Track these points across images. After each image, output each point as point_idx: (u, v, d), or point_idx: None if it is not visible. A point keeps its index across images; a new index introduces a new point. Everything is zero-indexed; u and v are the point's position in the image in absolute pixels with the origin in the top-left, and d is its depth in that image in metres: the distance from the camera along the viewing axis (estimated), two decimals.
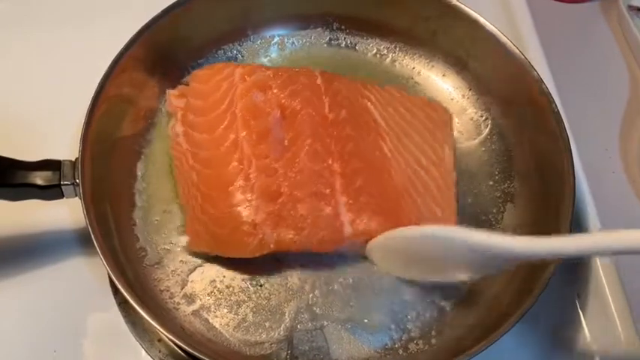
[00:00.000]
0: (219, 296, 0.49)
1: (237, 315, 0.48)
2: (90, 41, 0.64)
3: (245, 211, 0.47)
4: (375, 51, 0.63)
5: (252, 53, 0.62)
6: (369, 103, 0.55)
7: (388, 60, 0.62)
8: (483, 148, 0.57)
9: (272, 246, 0.47)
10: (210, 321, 0.48)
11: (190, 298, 0.49)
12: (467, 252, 0.42)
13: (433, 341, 0.48)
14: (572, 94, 0.56)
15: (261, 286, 0.50)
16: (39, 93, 0.61)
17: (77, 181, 0.46)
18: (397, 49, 0.62)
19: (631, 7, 0.70)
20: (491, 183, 0.56)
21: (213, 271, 0.50)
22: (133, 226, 0.51)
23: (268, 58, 0.62)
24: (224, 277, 0.50)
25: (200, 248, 0.49)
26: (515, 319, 0.43)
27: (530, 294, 0.44)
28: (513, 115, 0.57)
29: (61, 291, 0.51)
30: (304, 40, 0.63)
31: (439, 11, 0.58)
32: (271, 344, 0.47)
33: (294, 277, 0.50)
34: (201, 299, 0.49)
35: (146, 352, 0.49)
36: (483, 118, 0.59)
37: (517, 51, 0.55)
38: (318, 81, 0.54)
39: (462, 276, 0.45)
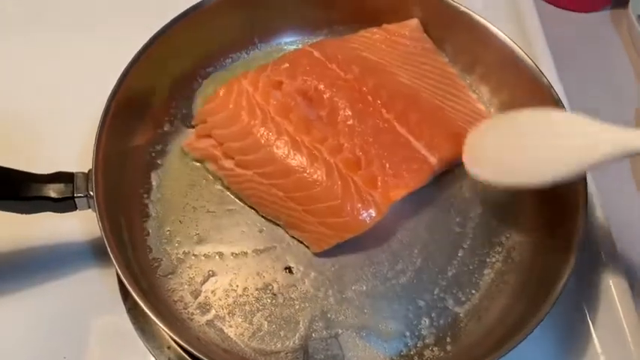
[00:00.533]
0: (234, 306, 0.49)
1: (252, 324, 0.48)
2: (100, 51, 0.64)
3: (346, 190, 0.49)
4: None
5: (260, 61, 0.62)
6: (362, 52, 0.57)
7: None
8: None
9: (388, 201, 0.49)
10: (225, 331, 0.48)
11: (204, 308, 0.49)
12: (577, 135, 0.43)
13: (448, 348, 0.48)
14: (582, 103, 0.56)
15: (274, 294, 0.50)
16: (49, 102, 0.61)
17: (91, 193, 0.46)
18: None
19: None
20: (501, 188, 0.56)
21: (226, 280, 0.50)
22: (146, 236, 0.51)
23: None
24: (237, 286, 0.50)
25: (328, 245, 0.50)
26: (531, 326, 0.43)
27: (545, 303, 0.44)
28: None
29: (70, 299, 0.51)
30: None
31: (449, 18, 0.58)
32: (287, 353, 0.47)
33: (307, 285, 0.50)
34: (215, 309, 0.49)
35: (155, 358, 0.49)
36: None
37: (527, 59, 0.55)
38: (316, 54, 0.55)
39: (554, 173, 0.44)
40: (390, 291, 0.50)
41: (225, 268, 0.51)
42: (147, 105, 0.55)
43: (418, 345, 0.48)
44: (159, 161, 0.55)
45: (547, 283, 0.47)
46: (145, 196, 0.53)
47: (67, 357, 0.49)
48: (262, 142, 0.50)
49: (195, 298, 0.49)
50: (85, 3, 0.70)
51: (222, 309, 0.49)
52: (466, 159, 0.51)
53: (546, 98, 0.53)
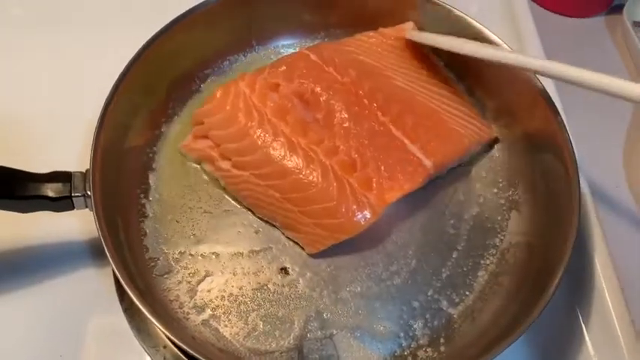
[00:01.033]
0: (229, 305, 0.49)
1: (247, 324, 0.49)
2: (98, 52, 0.64)
3: (342, 192, 0.49)
4: None
5: (257, 63, 0.62)
6: (359, 56, 0.57)
7: None
8: (487, 157, 0.58)
9: (383, 203, 0.50)
10: (221, 330, 0.48)
11: (200, 308, 0.49)
12: None
13: (442, 349, 0.48)
14: (577, 108, 0.57)
15: (270, 295, 0.50)
16: (47, 102, 0.62)
17: (88, 192, 0.46)
18: None
19: (635, 23, 0.72)
20: (495, 191, 0.56)
21: (222, 280, 0.50)
22: (143, 236, 0.52)
23: None
24: (233, 286, 0.50)
25: (324, 247, 0.51)
26: (524, 328, 0.44)
27: (538, 304, 0.44)
28: (517, 126, 0.57)
29: (67, 298, 0.52)
30: None
31: (444, 22, 0.59)
32: (281, 353, 0.48)
33: (302, 286, 0.50)
34: (210, 309, 0.49)
35: (151, 357, 0.49)
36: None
37: None
38: (313, 57, 0.56)
39: None
40: (384, 292, 0.51)
41: (221, 268, 0.51)
42: (144, 106, 0.56)
43: (412, 346, 0.48)
44: (156, 162, 0.56)
45: (540, 284, 0.47)
46: (142, 196, 0.54)
47: (64, 355, 0.49)
48: (259, 143, 0.51)
49: (191, 297, 0.49)
50: (83, 5, 0.70)
51: (218, 309, 0.49)
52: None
53: (541, 103, 0.54)
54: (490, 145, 0.58)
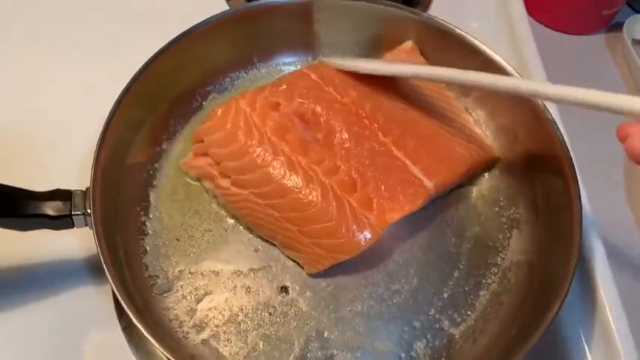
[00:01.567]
0: (229, 325, 0.49)
1: (247, 344, 0.48)
2: (100, 68, 0.64)
3: (341, 212, 0.49)
4: None
5: (259, 80, 0.62)
6: (360, 77, 0.56)
7: None
8: (488, 175, 0.58)
9: (384, 223, 0.49)
10: (220, 350, 0.48)
11: (200, 327, 0.49)
12: None
13: None
14: (578, 125, 0.57)
15: (270, 314, 0.50)
16: (49, 119, 0.62)
17: (88, 210, 0.46)
18: None
19: (635, 41, 0.72)
20: (496, 209, 0.56)
21: (222, 299, 0.50)
22: (143, 254, 0.51)
23: None
24: (233, 305, 0.50)
25: (323, 267, 0.50)
26: (526, 348, 0.43)
27: (540, 325, 0.44)
28: (518, 144, 0.57)
29: (67, 315, 0.51)
30: None
31: (444, 41, 0.59)
32: None
33: (302, 305, 0.50)
34: (210, 328, 0.49)
35: None
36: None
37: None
38: (313, 77, 0.56)
39: None
40: (385, 311, 0.50)
41: (221, 286, 0.51)
42: (146, 123, 0.56)
43: None
44: (157, 179, 0.56)
45: (542, 305, 0.47)
46: (142, 213, 0.53)
47: None
48: (259, 162, 0.51)
49: (191, 316, 0.49)
50: (85, 21, 0.70)
51: (218, 328, 0.49)
52: None
53: (542, 121, 0.54)
54: (491, 163, 0.58)
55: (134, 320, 0.42)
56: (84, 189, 0.48)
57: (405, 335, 0.49)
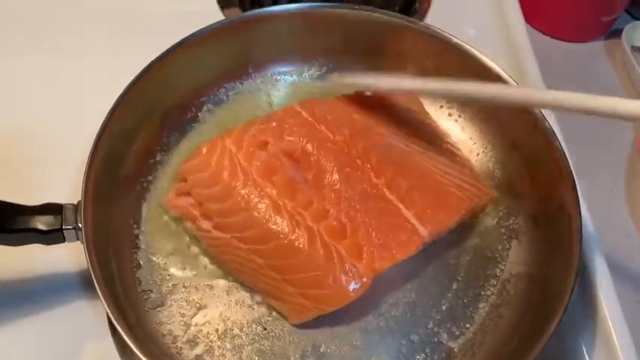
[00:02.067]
0: (223, 340, 0.48)
1: (242, 359, 0.47)
2: (93, 79, 0.64)
3: (329, 260, 0.46)
4: None
5: (254, 91, 0.62)
6: (352, 114, 0.55)
7: None
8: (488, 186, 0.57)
9: (373, 272, 0.46)
10: None
11: (194, 342, 0.48)
12: None
13: None
14: (577, 134, 0.56)
15: (265, 329, 0.49)
16: (41, 131, 0.61)
17: (79, 225, 0.45)
18: None
19: (634, 48, 0.72)
20: (495, 220, 0.55)
21: (216, 313, 0.49)
22: (136, 268, 0.51)
23: (270, 94, 0.62)
24: (228, 319, 0.49)
25: (308, 318, 0.48)
26: None
27: (540, 338, 0.43)
28: (516, 153, 0.56)
29: (60, 330, 0.50)
30: (306, 77, 0.63)
31: (441, 49, 0.58)
32: None
33: None
34: (204, 343, 0.48)
35: None
36: (485, 154, 0.59)
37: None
38: (304, 114, 0.53)
39: None
40: (383, 325, 0.49)
41: (216, 300, 0.50)
42: (138, 135, 0.55)
43: None
44: (151, 191, 0.55)
45: (542, 317, 0.46)
46: (135, 226, 0.53)
47: None
48: (242, 204, 0.48)
49: (185, 331, 0.48)
50: (78, 33, 0.70)
51: (212, 343, 0.48)
52: None
53: (540, 130, 0.53)
54: (491, 171, 0.58)
55: (125, 337, 0.42)
56: (75, 202, 0.47)
57: (402, 349, 0.48)
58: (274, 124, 0.52)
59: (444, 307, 0.50)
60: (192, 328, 0.48)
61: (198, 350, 0.48)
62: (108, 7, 0.72)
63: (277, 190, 0.49)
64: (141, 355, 0.41)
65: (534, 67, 0.66)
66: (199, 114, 0.60)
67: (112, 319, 0.42)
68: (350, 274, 0.46)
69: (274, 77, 0.63)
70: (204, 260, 0.52)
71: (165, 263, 0.51)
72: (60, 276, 0.53)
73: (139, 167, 0.55)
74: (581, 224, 0.49)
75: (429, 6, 0.73)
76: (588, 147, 0.58)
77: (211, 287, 0.50)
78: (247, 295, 0.50)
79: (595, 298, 0.52)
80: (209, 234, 0.50)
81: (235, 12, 0.71)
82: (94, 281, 0.44)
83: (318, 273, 0.46)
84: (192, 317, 0.49)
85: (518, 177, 0.56)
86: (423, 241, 0.48)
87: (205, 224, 0.50)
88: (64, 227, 0.46)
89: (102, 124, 0.50)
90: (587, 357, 0.51)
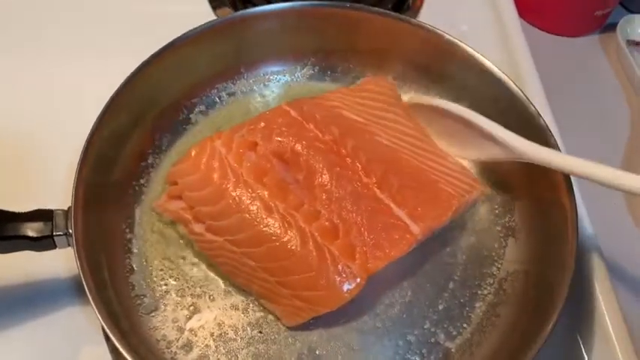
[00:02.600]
0: (219, 344, 0.48)
1: None
2: (83, 82, 0.63)
3: (322, 261, 0.46)
4: None
5: (247, 91, 0.61)
6: (341, 110, 0.54)
7: None
8: (481, 182, 0.57)
9: (367, 272, 0.46)
10: None
11: (188, 347, 0.47)
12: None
13: None
14: (572, 129, 0.56)
15: (260, 332, 0.48)
16: (28, 136, 0.60)
17: (70, 231, 0.45)
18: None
19: (629, 42, 0.71)
20: (491, 217, 0.55)
21: (211, 317, 0.49)
22: (129, 273, 0.50)
23: (263, 94, 0.62)
24: (223, 323, 0.49)
25: (302, 320, 0.47)
26: None
27: (538, 337, 0.43)
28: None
29: (54, 337, 0.50)
30: (299, 76, 0.63)
31: (434, 46, 0.58)
32: None
33: None
34: (199, 347, 0.47)
35: None
36: None
37: (514, 86, 0.55)
38: (293, 114, 0.53)
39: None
40: (379, 326, 0.49)
41: (210, 304, 0.49)
42: (130, 138, 0.54)
43: None
44: (143, 195, 0.54)
45: (540, 316, 0.45)
46: (128, 231, 0.52)
47: None
48: (234, 207, 0.47)
49: (179, 336, 0.48)
50: (71, 31, 0.69)
51: (207, 347, 0.47)
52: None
53: (536, 128, 0.53)
54: (486, 168, 0.57)
55: (117, 345, 0.41)
56: (66, 208, 0.46)
57: (399, 350, 0.48)
58: (263, 124, 0.52)
59: (440, 307, 0.50)
60: (187, 332, 0.48)
61: (193, 355, 0.47)
62: (99, 7, 0.71)
63: (268, 192, 0.48)
64: None
65: (529, 62, 0.66)
66: (191, 115, 0.59)
67: (105, 326, 0.42)
68: (344, 275, 0.46)
69: (267, 77, 0.62)
70: (199, 264, 0.51)
71: (158, 267, 0.51)
72: (53, 282, 0.52)
73: (130, 171, 0.54)
74: (577, 221, 0.48)
75: (422, 3, 0.73)
76: (585, 142, 0.58)
77: (205, 291, 0.50)
78: (242, 298, 0.50)
79: (593, 296, 0.52)
80: (202, 237, 0.49)
81: (227, 12, 0.70)
82: (86, 288, 0.43)
83: (311, 274, 0.46)
84: (187, 322, 0.49)
85: (514, 174, 0.55)
86: (416, 239, 0.48)
87: (198, 227, 0.49)
88: (54, 234, 0.45)
89: (92, 128, 0.50)
90: (585, 355, 0.51)
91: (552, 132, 0.52)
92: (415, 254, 0.52)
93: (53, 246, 0.46)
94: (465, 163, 0.56)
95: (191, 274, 0.51)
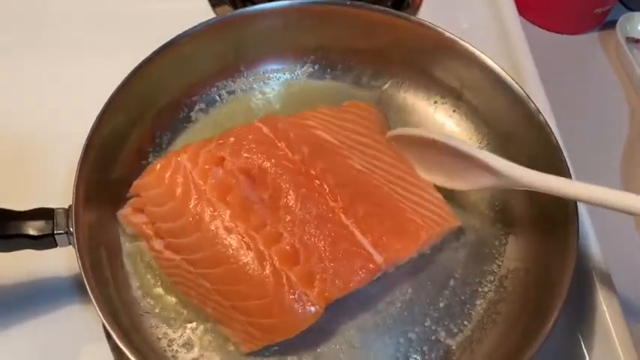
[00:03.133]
0: (220, 342, 0.48)
1: None
2: (84, 81, 0.63)
3: (279, 287, 0.45)
4: (368, 83, 0.62)
5: (247, 89, 0.61)
6: (316, 130, 0.53)
7: (382, 92, 0.62)
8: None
9: (324, 302, 0.45)
10: None
11: (189, 345, 0.47)
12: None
13: None
14: (571, 126, 0.56)
15: None
16: (29, 134, 0.60)
17: (71, 229, 0.45)
18: (391, 80, 0.62)
19: (629, 39, 0.71)
20: (492, 214, 0.55)
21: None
22: (129, 272, 0.50)
23: (264, 92, 0.62)
24: None
25: (257, 347, 0.46)
26: (524, 358, 0.42)
27: (539, 335, 0.43)
28: (511, 147, 0.56)
29: (56, 335, 0.50)
30: (299, 74, 0.63)
31: (434, 43, 0.58)
32: None
33: None
34: (200, 346, 0.47)
35: None
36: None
37: (514, 83, 0.55)
38: (265, 130, 0.52)
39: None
40: (380, 323, 0.49)
41: None
42: (130, 136, 0.54)
43: None
44: None
45: (540, 313, 0.46)
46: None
47: None
48: (193, 225, 0.46)
49: (180, 335, 0.48)
50: (70, 30, 0.69)
51: (208, 346, 0.47)
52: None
53: (535, 124, 0.53)
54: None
55: (118, 342, 0.41)
56: (67, 207, 0.46)
57: (400, 348, 0.48)
58: (232, 139, 0.50)
59: (441, 305, 0.50)
60: (188, 330, 0.48)
61: (194, 354, 0.47)
62: (98, 6, 0.71)
63: (230, 211, 0.47)
64: None
65: (529, 59, 0.66)
66: (192, 113, 0.59)
67: (106, 324, 0.42)
68: (300, 303, 0.44)
69: (266, 75, 0.62)
70: None
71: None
72: (54, 281, 0.52)
73: (131, 169, 0.54)
74: (577, 217, 0.48)
75: (421, 1, 0.73)
76: (584, 139, 0.58)
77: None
78: None
79: (593, 291, 0.52)
80: (161, 255, 0.49)
81: (227, 10, 0.70)
82: (87, 286, 0.43)
83: (266, 300, 0.44)
84: (188, 320, 0.48)
85: None
86: (379, 269, 0.47)
87: (157, 244, 0.49)
88: (55, 232, 0.45)
89: (92, 127, 0.50)
90: (586, 354, 0.51)
91: (552, 128, 0.52)
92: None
93: (54, 244, 0.46)
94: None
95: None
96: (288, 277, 0.45)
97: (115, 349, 0.49)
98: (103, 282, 0.46)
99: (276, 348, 0.47)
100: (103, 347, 0.49)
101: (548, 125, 0.52)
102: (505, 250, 0.53)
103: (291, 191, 0.48)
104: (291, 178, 0.49)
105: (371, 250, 0.47)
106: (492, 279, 0.52)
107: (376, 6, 0.60)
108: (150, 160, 0.56)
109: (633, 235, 0.59)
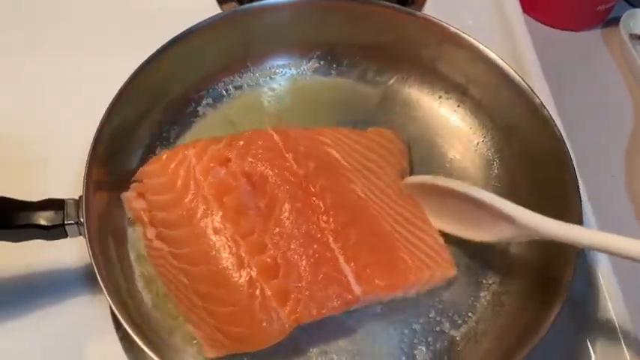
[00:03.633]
0: None
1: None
2: (93, 76, 0.64)
3: (251, 298, 0.44)
4: (373, 78, 0.63)
5: (253, 84, 0.62)
6: (328, 148, 0.53)
7: (387, 87, 0.62)
8: (485, 174, 0.57)
9: (290, 324, 0.44)
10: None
11: (190, 337, 0.48)
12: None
13: None
14: (575, 122, 0.56)
15: None
16: (42, 127, 0.61)
17: (81, 220, 0.46)
18: (396, 76, 0.62)
19: (632, 36, 0.72)
20: None
21: None
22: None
23: (270, 87, 0.62)
24: None
25: (222, 354, 0.45)
26: (527, 350, 0.43)
27: (542, 326, 0.44)
28: (515, 142, 0.56)
29: (64, 326, 0.50)
30: (305, 69, 0.63)
31: (439, 39, 0.58)
32: None
33: None
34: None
35: None
36: (484, 144, 0.59)
37: (518, 78, 0.55)
38: (275, 138, 0.51)
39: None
40: (384, 315, 0.49)
41: None
42: (138, 130, 0.55)
43: None
44: None
45: (544, 304, 0.46)
46: None
47: None
48: (185, 219, 0.47)
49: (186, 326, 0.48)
50: (78, 27, 0.70)
51: None
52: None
53: (539, 119, 0.53)
54: (489, 160, 0.58)
55: (129, 331, 0.42)
56: (77, 197, 0.47)
57: (405, 339, 0.49)
58: (242, 142, 0.50)
59: (445, 296, 0.51)
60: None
61: (195, 348, 0.47)
62: (104, 3, 0.72)
63: (223, 212, 0.47)
64: (146, 349, 0.41)
65: (532, 56, 0.66)
66: (199, 108, 0.60)
67: (117, 314, 0.43)
68: (269, 318, 0.43)
69: (273, 70, 0.63)
70: None
71: None
72: (63, 271, 0.53)
73: (139, 162, 0.55)
74: (581, 210, 0.49)
75: None
76: (587, 135, 0.58)
77: None
78: None
79: (596, 284, 0.52)
80: (150, 243, 0.49)
81: (233, 6, 0.71)
82: (97, 276, 0.44)
83: (236, 309, 0.44)
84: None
85: (518, 166, 0.56)
86: (355, 301, 0.45)
87: (150, 232, 0.49)
88: (66, 222, 0.46)
89: (102, 119, 0.51)
90: (590, 348, 0.51)
91: (556, 124, 0.53)
92: None
93: (64, 235, 0.47)
94: None
95: None
96: (262, 290, 0.44)
97: (123, 337, 0.50)
98: (113, 272, 0.47)
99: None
100: (111, 337, 0.50)
101: (552, 119, 0.53)
102: (510, 243, 0.53)
103: (286, 204, 0.47)
104: (290, 191, 0.48)
105: (351, 279, 0.45)
106: (497, 271, 0.52)
107: (382, 1, 0.60)
108: (157, 153, 0.56)
109: (635, 225, 0.60)
